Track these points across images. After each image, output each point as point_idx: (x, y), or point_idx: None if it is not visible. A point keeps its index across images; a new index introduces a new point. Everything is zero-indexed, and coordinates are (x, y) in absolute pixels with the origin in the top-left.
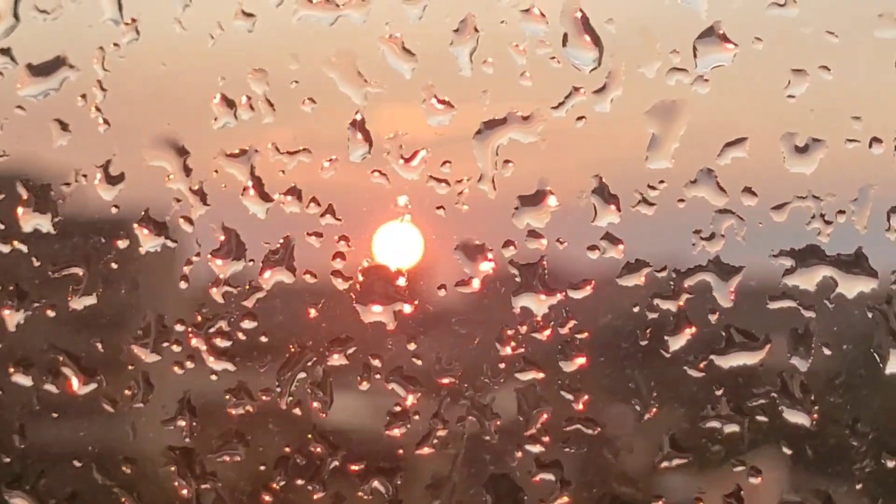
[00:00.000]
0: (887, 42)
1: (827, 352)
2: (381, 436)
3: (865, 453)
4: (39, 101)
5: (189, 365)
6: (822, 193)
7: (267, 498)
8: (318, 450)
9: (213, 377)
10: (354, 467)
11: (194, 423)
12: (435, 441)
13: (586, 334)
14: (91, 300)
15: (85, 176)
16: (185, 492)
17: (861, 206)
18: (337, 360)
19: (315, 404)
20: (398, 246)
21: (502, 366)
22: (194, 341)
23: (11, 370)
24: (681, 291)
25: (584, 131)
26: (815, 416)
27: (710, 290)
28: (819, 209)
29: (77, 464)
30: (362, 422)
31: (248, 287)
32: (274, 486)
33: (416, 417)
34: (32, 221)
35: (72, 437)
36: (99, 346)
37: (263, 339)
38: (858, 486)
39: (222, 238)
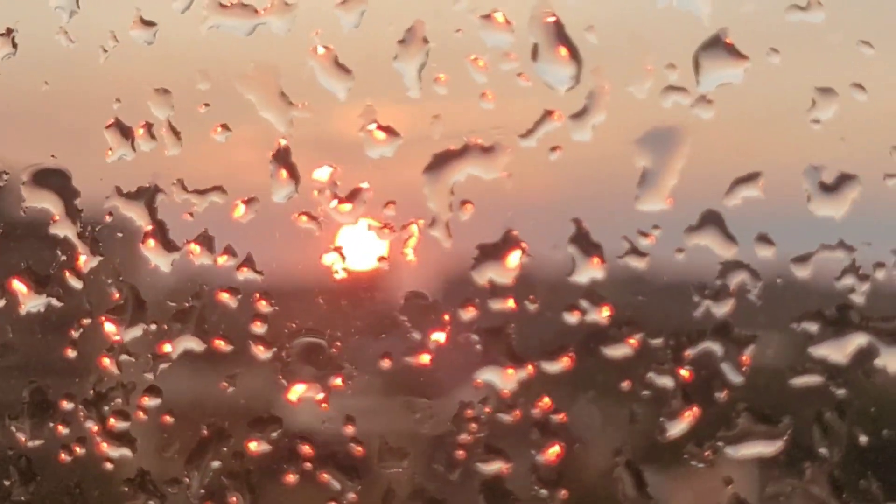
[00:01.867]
0: None
1: (863, 439)
2: None
3: None
4: None
5: (79, 451)
6: (855, 242)
7: None
8: None
9: (108, 465)
10: None
11: None
12: None
13: (563, 416)
14: None
15: None
16: None
17: None
18: (258, 446)
19: (233, 500)
20: (332, 306)
21: (460, 454)
22: (86, 422)
23: None
24: (681, 364)
25: (560, 165)
26: None
27: (717, 362)
28: (851, 261)
29: None
30: None
31: (149, 356)
32: None
33: None
34: None
35: None
36: None
37: (169, 418)
38: None
39: (118, 296)
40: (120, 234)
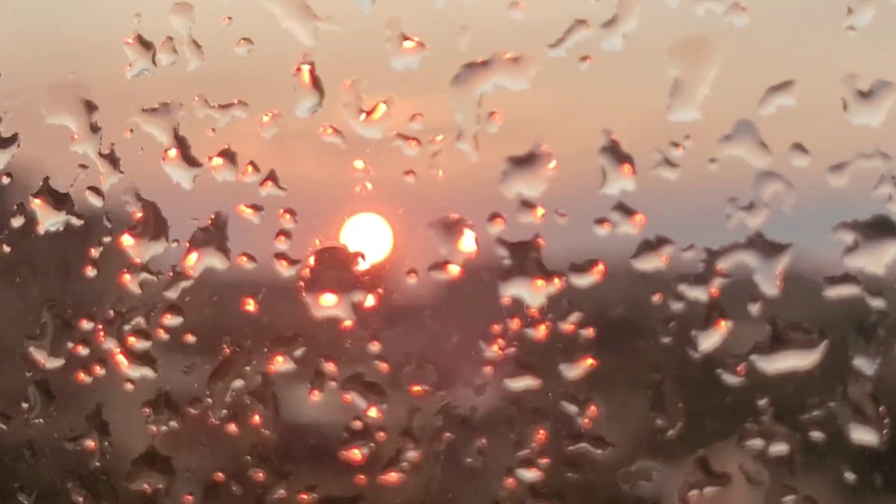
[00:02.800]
0: None
1: None
2: (338, 458)
3: None
4: None
5: (99, 371)
6: (892, 151)
7: None
8: (260, 475)
9: (129, 386)
10: (304, 497)
11: (106, 444)
12: (404, 464)
13: (593, 331)
14: None
15: None
16: None
17: None
18: (281, 364)
19: (255, 419)
20: (358, 222)
21: (488, 370)
22: (105, 342)
23: None
24: (713, 276)
25: (590, 75)
26: (886, 433)
27: (751, 273)
28: (889, 170)
29: None
30: (314, 441)
31: (171, 274)
32: None
33: (381, 435)
34: None
35: None
36: None
37: (190, 338)
38: None
39: (139, 214)
40: (141, 151)
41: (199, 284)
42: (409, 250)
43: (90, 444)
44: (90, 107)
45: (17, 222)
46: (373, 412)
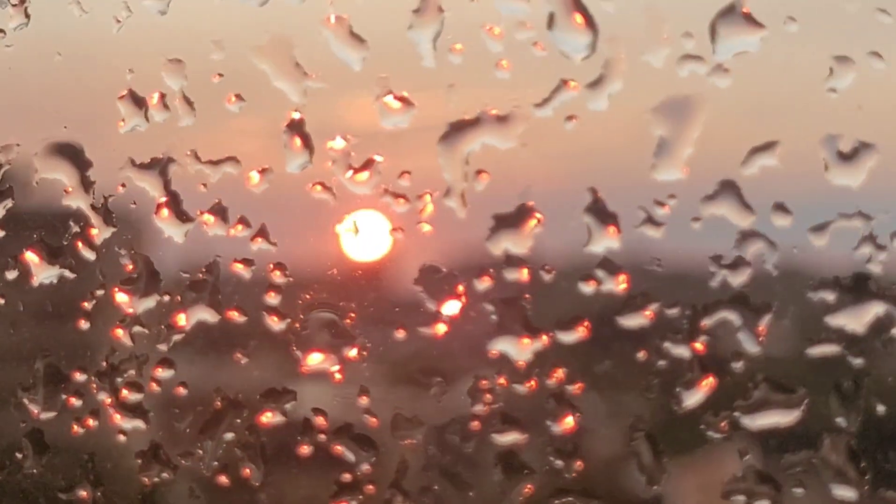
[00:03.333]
0: None
1: (881, 408)
2: None
3: None
4: None
5: (91, 423)
6: (872, 211)
7: None
8: None
9: (122, 437)
10: None
11: (98, 494)
12: None
13: (579, 386)
14: None
15: None
16: None
17: None
18: (271, 417)
19: (246, 471)
20: (346, 276)
21: (475, 425)
22: (98, 394)
23: None
24: (697, 333)
25: (576, 134)
26: (867, 487)
27: (734, 331)
28: (869, 230)
29: None
30: (304, 494)
31: (163, 328)
32: None
33: (370, 488)
34: None
35: None
36: None
37: (182, 390)
38: None
39: (131, 267)
40: (133, 205)
41: (190, 338)
42: (398, 305)
43: (83, 494)
44: (83, 161)
45: (11, 275)
46: (363, 466)
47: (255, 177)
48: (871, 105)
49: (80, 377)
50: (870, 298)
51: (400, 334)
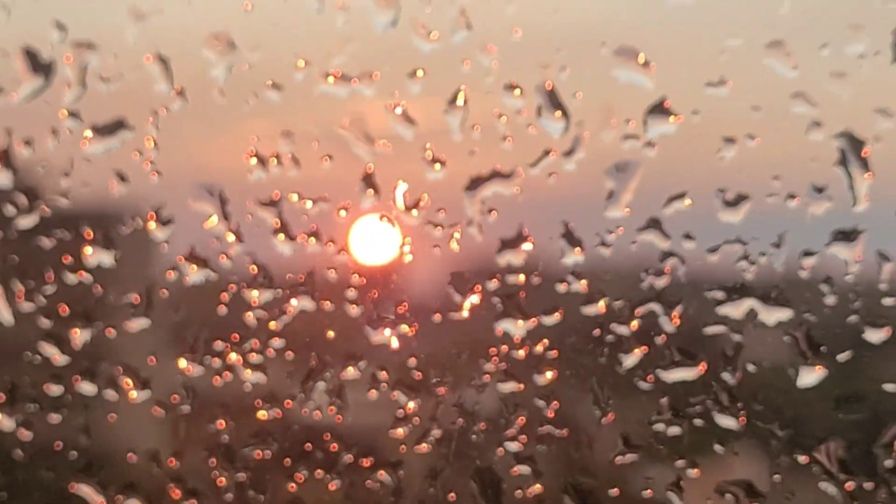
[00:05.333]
0: (800, 116)
1: (751, 368)
2: (387, 435)
3: (781, 450)
4: (102, 155)
5: (227, 377)
6: (747, 238)
7: (291, 486)
8: (334, 447)
9: (248, 387)
10: (364, 461)
11: (231, 424)
12: (431, 439)
13: (556, 353)
14: (145, 322)
15: (141, 219)
16: (222, 480)
17: (779, 250)
18: (350, 373)
19: (332, 409)
20: (402, 278)
21: (487, 378)
22: (232, 357)
23: (78, 380)
24: (633, 318)
25: (555, 186)
26: (742, 419)
27: (657, 317)
28: (745, 252)
29: (133, 458)
30: (371, 424)
31: (276, 312)
32: (297, 476)
33: (416, 420)
34: (97, 257)
35: (129, 435)
36: (153, 360)
37: (289, 355)
38: (776, 477)
39: (255, 271)
40: (257, 228)
41: (295, 320)
42: (436, 298)
43: (221, 425)
44: (223, 199)
45: (171, 277)
46: (411, 405)
47: (340, 211)
48: (748, 170)
49: (219, 346)
50: (744, 296)
51: (437, 318)
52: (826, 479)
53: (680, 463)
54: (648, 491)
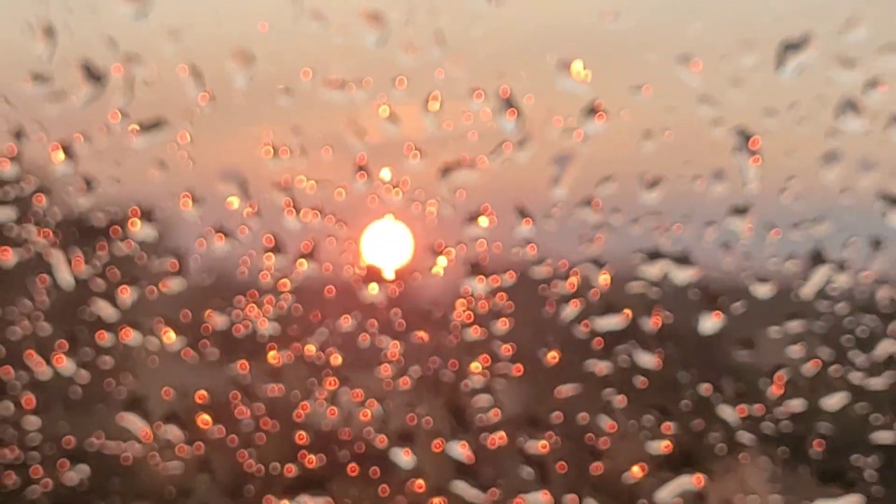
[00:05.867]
0: (704, 114)
1: (667, 315)
2: (375, 373)
3: (689, 385)
4: (146, 147)
5: (247, 327)
6: (663, 212)
7: (298, 414)
8: (335, 382)
9: (263, 335)
10: (356, 394)
11: (251, 364)
12: (411, 376)
13: (511, 305)
14: (183, 283)
15: (177, 198)
16: (243, 410)
17: (689, 221)
18: (347, 323)
19: (331, 352)
20: (389, 245)
21: (455, 326)
22: (251, 310)
23: (125, 331)
24: (571, 276)
25: (510, 171)
26: (659, 359)
27: (591, 276)
28: (660, 222)
29: (170, 393)
30: (362, 363)
31: (287, 273)
32: (303, 405)
33: (399, 361)
34: (142, 230)
35: (166, 375)
36: (187, 313)
37: (297, 308)
38: (684, 403)
39: (269, 241)
40: (271, 206)
41: (302, 281)
42: (414, 261)
43: (242, 365)
44: (244, 182)
45: (203, 246)
46: (396, 347)
47: (341, 191)
48: (663, 157)
49: (241, 300)
50: (660, 258)
51: (416, 276)
52: (724, 404)
53: (608, 391)
54: (583, 415)
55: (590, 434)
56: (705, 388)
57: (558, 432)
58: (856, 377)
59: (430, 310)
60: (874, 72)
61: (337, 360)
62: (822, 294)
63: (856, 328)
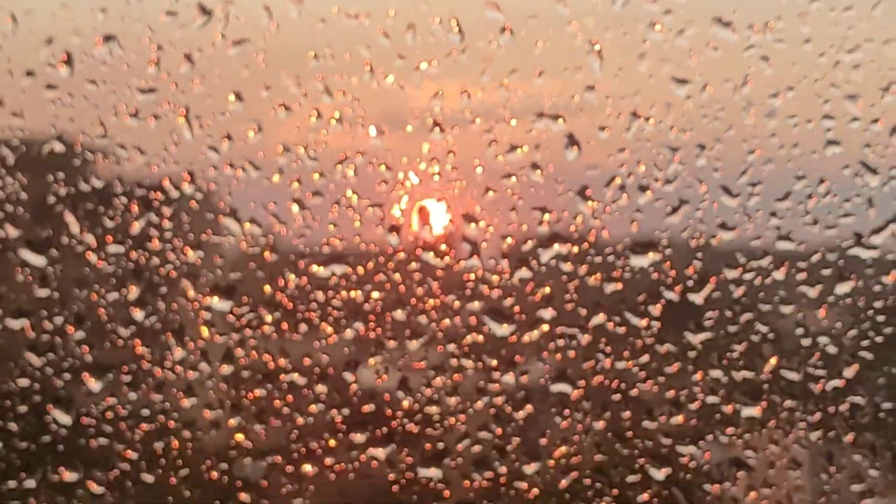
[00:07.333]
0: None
1: (627, 275)
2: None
3: (653, 341)
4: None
5: (273, 316)
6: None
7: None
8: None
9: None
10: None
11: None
12: (422, 340)
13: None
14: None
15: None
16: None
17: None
18: (360, 292)
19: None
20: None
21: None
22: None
23: (157, 296)
24: (561, 240)
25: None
26: (623, 328)
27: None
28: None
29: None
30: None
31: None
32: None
33: (407, 331)
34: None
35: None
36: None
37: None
38: (644, 358)
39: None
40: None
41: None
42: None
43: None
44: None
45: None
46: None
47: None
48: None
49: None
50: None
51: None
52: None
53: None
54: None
55: None
56: (663, 349)
57: None
58: None
59: (437, 284)
60: None
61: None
62: None
63: None
